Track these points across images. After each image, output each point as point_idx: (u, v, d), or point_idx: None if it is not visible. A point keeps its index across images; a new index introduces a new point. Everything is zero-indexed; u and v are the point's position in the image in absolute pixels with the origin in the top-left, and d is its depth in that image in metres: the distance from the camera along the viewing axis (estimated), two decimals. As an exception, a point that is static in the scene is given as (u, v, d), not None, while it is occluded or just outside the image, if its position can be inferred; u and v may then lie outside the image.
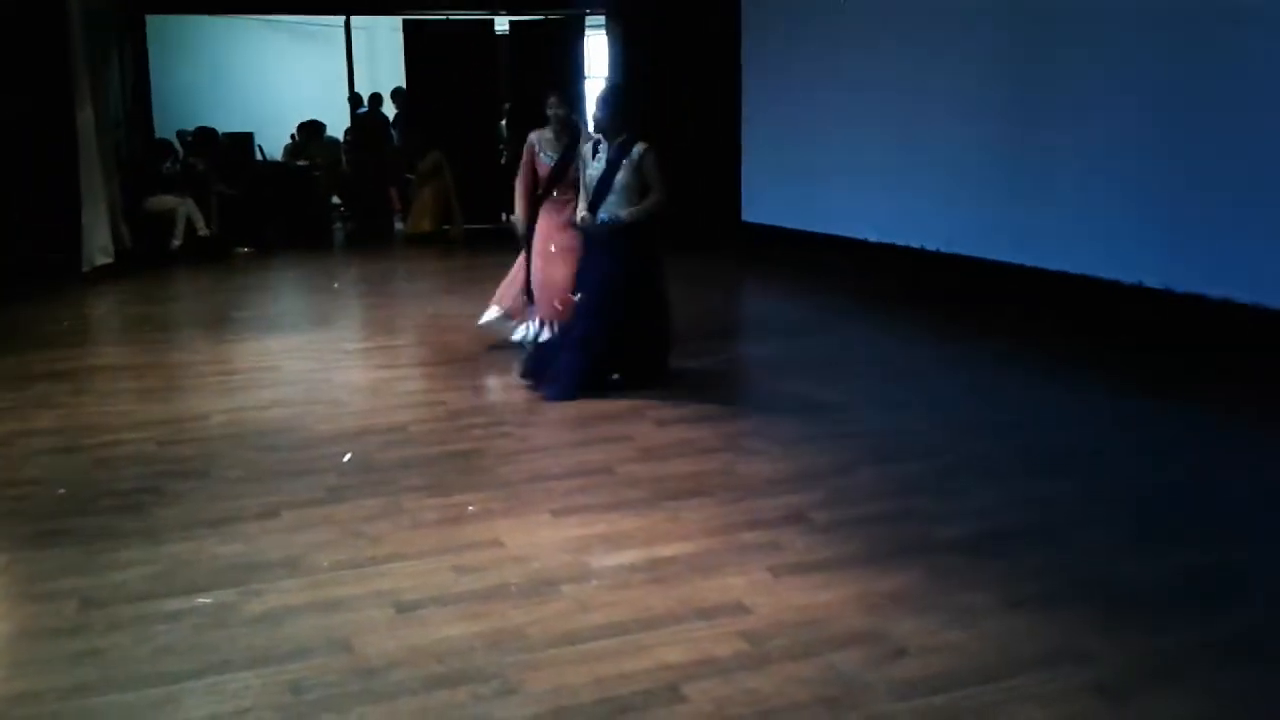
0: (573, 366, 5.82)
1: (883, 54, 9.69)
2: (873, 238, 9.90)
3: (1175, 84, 7.17)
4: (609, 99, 5.98)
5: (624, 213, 5.81)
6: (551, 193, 6.52)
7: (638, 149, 5.81)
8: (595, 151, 5.93)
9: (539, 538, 4.01)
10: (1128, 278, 7.52)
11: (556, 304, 6.35)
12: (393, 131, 14.13)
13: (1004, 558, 3.74)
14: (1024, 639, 3.17)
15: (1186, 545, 3.85)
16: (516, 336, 6.81)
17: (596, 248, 5.93)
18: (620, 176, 5.81)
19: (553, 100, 6.47)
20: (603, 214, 5.89)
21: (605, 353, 5.88)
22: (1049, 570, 3.64)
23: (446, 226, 13.00)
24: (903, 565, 3.68)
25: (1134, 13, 7.43)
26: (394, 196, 13.78)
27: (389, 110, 14.24)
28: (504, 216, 13.96)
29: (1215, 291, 6.93)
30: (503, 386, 6.27)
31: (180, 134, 12.79)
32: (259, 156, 14.15)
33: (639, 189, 5.83)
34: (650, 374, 6.00)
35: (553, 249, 6.46)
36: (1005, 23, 8.46)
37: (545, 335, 6.44)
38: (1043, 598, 3.43)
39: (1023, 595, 3.45)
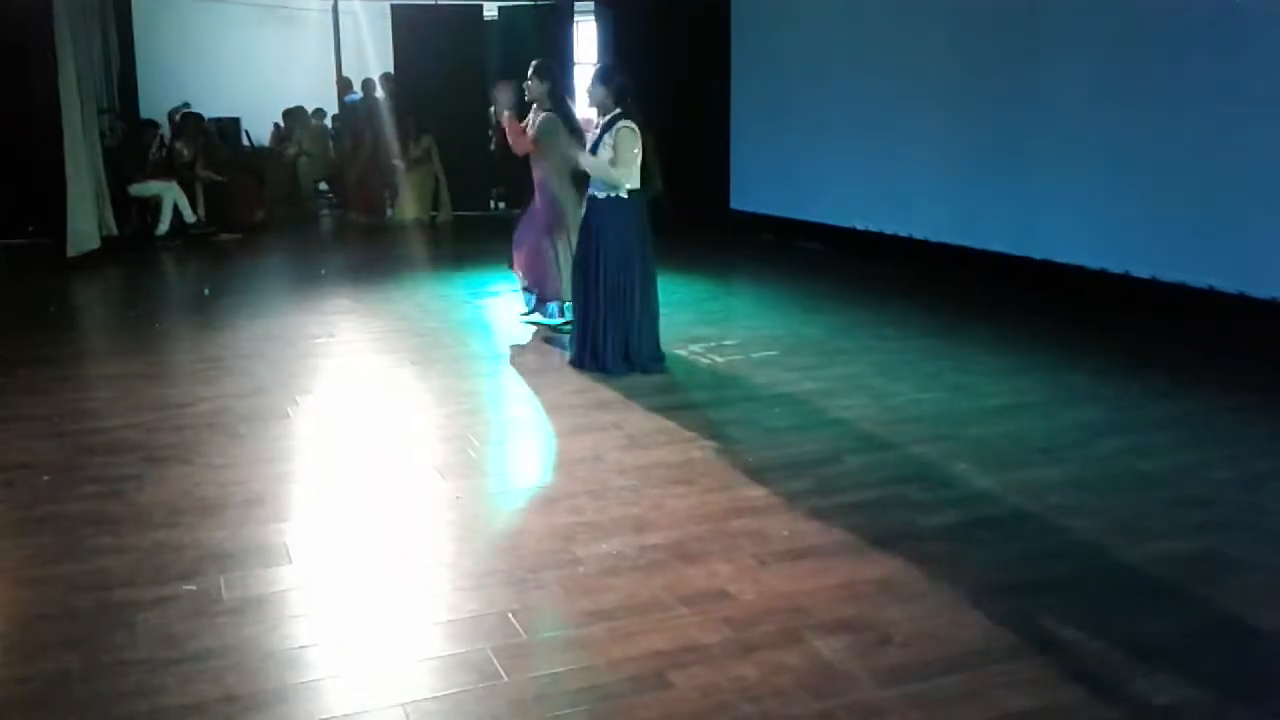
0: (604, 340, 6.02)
1: (872, 42, 9.69)
2: (860, 226, 9.90)
3: (1161, 76, 7.19)
4: (597, 77, 6.00)
5: (583, 159, 6.02)
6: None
7: (618, 125, 5.83)
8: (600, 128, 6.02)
9: (526, 524, 4.01)
10: (1114, 267, 7.54)
11: (519, 267, 7.06)
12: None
13: (989, 545, 3.75)
14: (1008, 626, 3.18)
15: (1170, 534, 3.87)
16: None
17: (591, 223, 6.05)
18: (601, 153, 5.85)
19: (527, 83, 6.81)
20: (592, 189, 6.03)
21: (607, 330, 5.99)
22: (1034, 558, 3.65)
23: (435, 213, 12.97)
24: (888, 553, 3.69)
25: (1122, 6, 7.43)
26: (381, 183, 13.70)
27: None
28: (493, 204, 13.96)
29: (1200, 280, 6.97)
30: (486, 373, 6.26)
31: (171, 113, 12.70)
32: (246, 142, 14.09)
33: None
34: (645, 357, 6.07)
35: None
36: (994, 14, 8.45)
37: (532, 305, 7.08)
38: (1027, 586, 3.44)
39: (1007, 583, 3.46)
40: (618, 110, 5.88)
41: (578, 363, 6.09)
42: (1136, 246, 7.38)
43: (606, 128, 5.88)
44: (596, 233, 5.96)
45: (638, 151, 5.86)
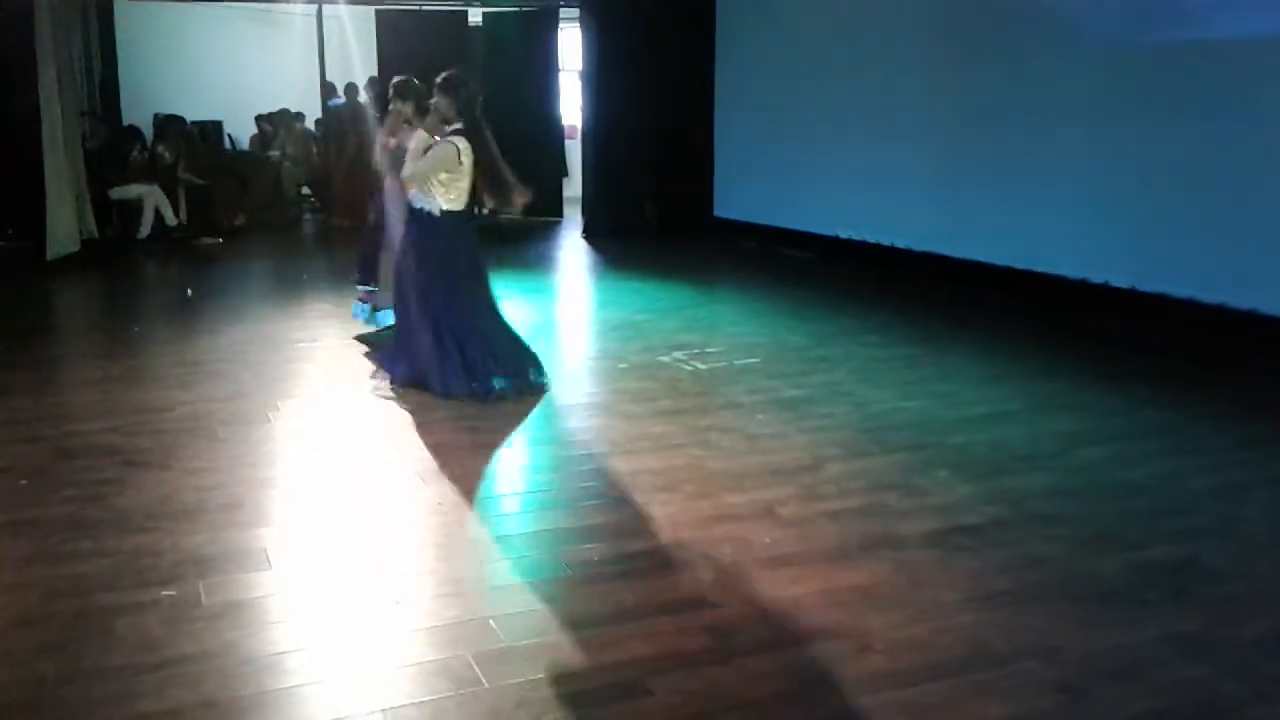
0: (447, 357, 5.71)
1: (858, 51, 9.73)
2: (843, 234, 9.93)
3: (1143, 90, 7.24)
4: (440, 87, 5.71)
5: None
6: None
7: (448, 138, 5.65)
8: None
9: (508, 530, 4.00)
10: (1095, 277, 7.59)
11: None
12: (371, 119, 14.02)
13: (971, 553, 3.76)
14: (989, 635, 3.19)
15: (1152, 542, 3.88)
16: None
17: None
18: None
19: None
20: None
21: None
22: (1016, 566, 3.66)
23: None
24: (870, 561, 3.70)
25: (1105, 18, 7.49)
26: (364, 188, 13.65)
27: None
28: (475, 209, 13.91)
29: (1180, 291, 7.01)
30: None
31: (155, 118, 12.65)
32: (228, 146, 14.04)
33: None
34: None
35: None
36: (980, 27, 8.50)
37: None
38: (1009, 594, 3.45)
39: (989, 591, 3.47)
40: (459, 125, 5.64)
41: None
42: (1117, 257, 7.43)
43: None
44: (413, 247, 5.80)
45: (449, 170, 5.59)
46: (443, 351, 5.65)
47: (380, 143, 6.79)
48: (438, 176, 5.63)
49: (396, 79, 6.77)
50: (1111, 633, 3.20)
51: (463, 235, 5.82)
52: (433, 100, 5.79)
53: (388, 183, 6.72)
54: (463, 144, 5.61)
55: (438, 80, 5.73)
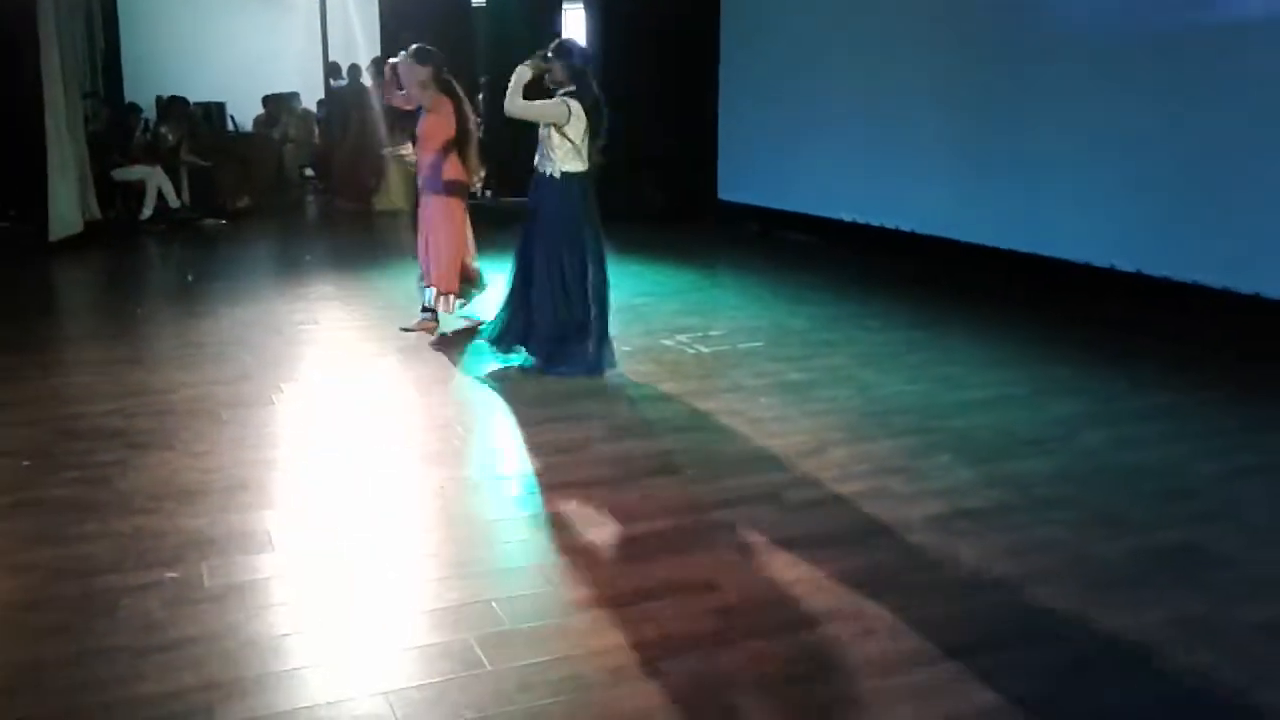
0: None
1: (861, 34, 9.67)
2: (847, 217, 9.89)
3: (1147, 72, 7.19)
4: (556, 53, 5.76)
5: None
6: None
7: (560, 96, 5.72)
8: None
9: (510, 513, 4.00)
10: (1100, 261, 7.55)
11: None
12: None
13: (975, 537, 3.75)
14: (994, 618, 3.19)
15: (1154, 526, 3.88)
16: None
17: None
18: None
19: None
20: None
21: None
22: (1019, 550, 3.65)
23: (420, 202, 12.92)
24: (874, 544, 3.69)
25: (1109, 1, 7.46)
26: (367, 170, 13.64)
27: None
28: (479, 191, 13.89)
29: (1185, 276, 6.98)
30: (471, 362, 6.23)
31: (159, 99, 12.62)
32: (231, 127, 14.00)
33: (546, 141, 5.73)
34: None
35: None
36: (984, 7, 8.45)
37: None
38: (1013, 578, 3.45)
39: (993, 575, 3.46)
40: (572, 88, 5.70)
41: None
42: (1122, 241, 7.39)
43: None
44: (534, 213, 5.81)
45: (558, 123, 5.61)
46: (575, 321, 5.72)
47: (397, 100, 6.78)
48: (547, 131, 5.65)
49: (416, 45, 6.67)
50: (1116, 617, 3.20)
51: (583, 199, 5.80)
52: (545, 63, 5.72)
53: (412, 151, 6.69)
54: (574, 105, 5.64)
55: (551, 46, 5.78)
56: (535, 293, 5.75)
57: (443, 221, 6.54)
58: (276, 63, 14.66)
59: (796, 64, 10.44)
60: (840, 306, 7.58)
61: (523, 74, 5.64)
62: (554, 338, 5.76)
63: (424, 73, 6.49)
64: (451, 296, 6.64)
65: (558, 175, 5.70)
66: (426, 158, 6.56)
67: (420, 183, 6.71)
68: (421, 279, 6.72)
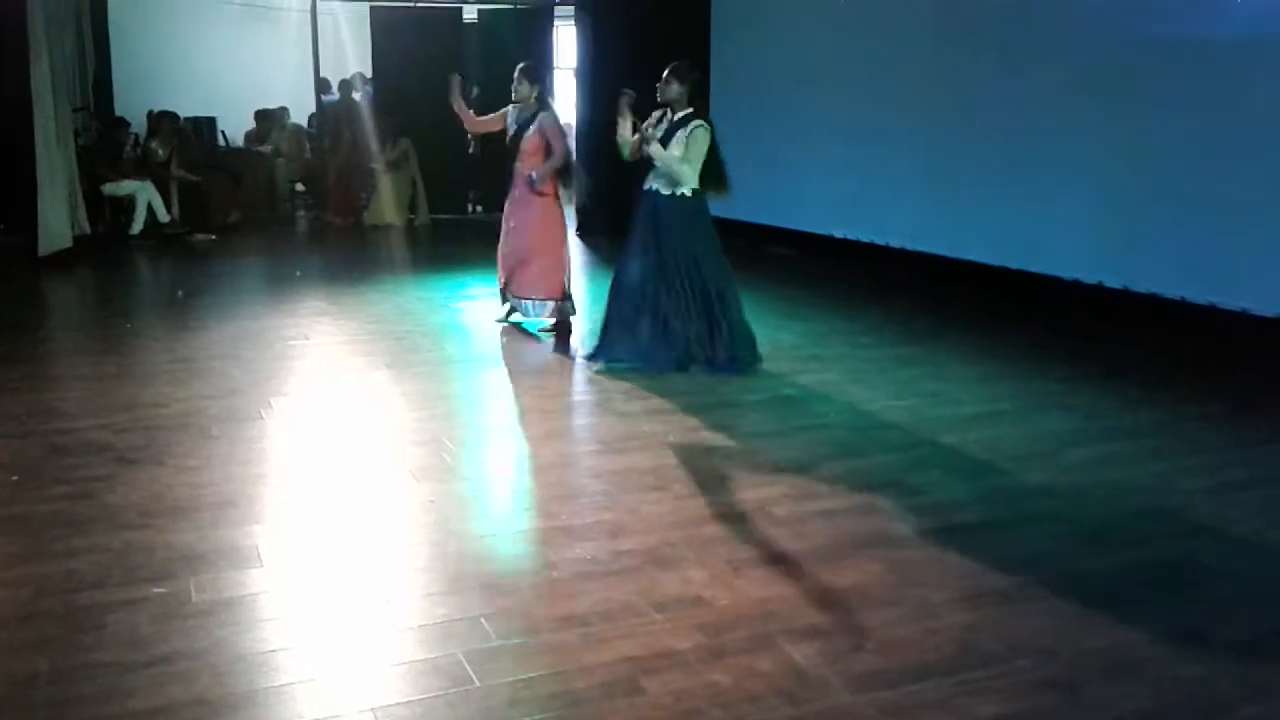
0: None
1: (850, 50, 9.72)
2: (837, 233, 9.92)
3: (1138, 89, 7.24)
4: (671, 74, 6.08)
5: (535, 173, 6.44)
6: (515, 163, 7.01)
7: (691, 125, 6.00)
8: (659, 122, 6.10)
9: (499, 529, 4.00)
10: (1088, 277, 7.59)
11: (502, 275, 7.13)
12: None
13: (965, 553, 3.76)
14: (982, 634, 3.19)
15: (1142, 542, 3.89)
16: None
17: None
18: (672, 148, 5.97)
19: (515, 78, 6.99)
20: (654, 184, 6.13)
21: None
22: (1008, 566, 3.66)
23: (412, 216, 12.93)
24: (863, 560, 3.70)
25: (1097, 16, 7.49)
26: (359, 185, 13.64)
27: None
28: (470, 207, 13.92)
29: (1172, 292, 7.02)
30: (461, 377, 6.24)
31: (149, 114, 12.61)
32: (222, 142, 14.00)
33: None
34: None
35: (511, 224, 7.06)
36: (974, 25, 8.50)
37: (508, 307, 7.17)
38: (1002, 593, 3.46)
39: (982, 590, 3.47)
40: (690, 110, 5.97)
41: (666, 364, 6.03)
42: (1110, 257, 7.44)
43: (680, 124, 5.96)
44: (663, 230, 6.05)
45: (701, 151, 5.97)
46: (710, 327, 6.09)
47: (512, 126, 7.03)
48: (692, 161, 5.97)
49: (523, 64, 7.05)
50: (1105, 632, 3.21)
51: (705, 215, 6.25)
52: (661, 85, 6.07)
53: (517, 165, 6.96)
54: (705, 126, 5.99)
55: (670, 68, 6.08)
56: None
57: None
58: (267, 78, 14.64)
59: (786, 79, 10.48)
60: (829, 322, 7.60)
61: (624, 131, 6.10)
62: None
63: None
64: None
65: (689, 194, 6.07)
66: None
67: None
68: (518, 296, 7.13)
